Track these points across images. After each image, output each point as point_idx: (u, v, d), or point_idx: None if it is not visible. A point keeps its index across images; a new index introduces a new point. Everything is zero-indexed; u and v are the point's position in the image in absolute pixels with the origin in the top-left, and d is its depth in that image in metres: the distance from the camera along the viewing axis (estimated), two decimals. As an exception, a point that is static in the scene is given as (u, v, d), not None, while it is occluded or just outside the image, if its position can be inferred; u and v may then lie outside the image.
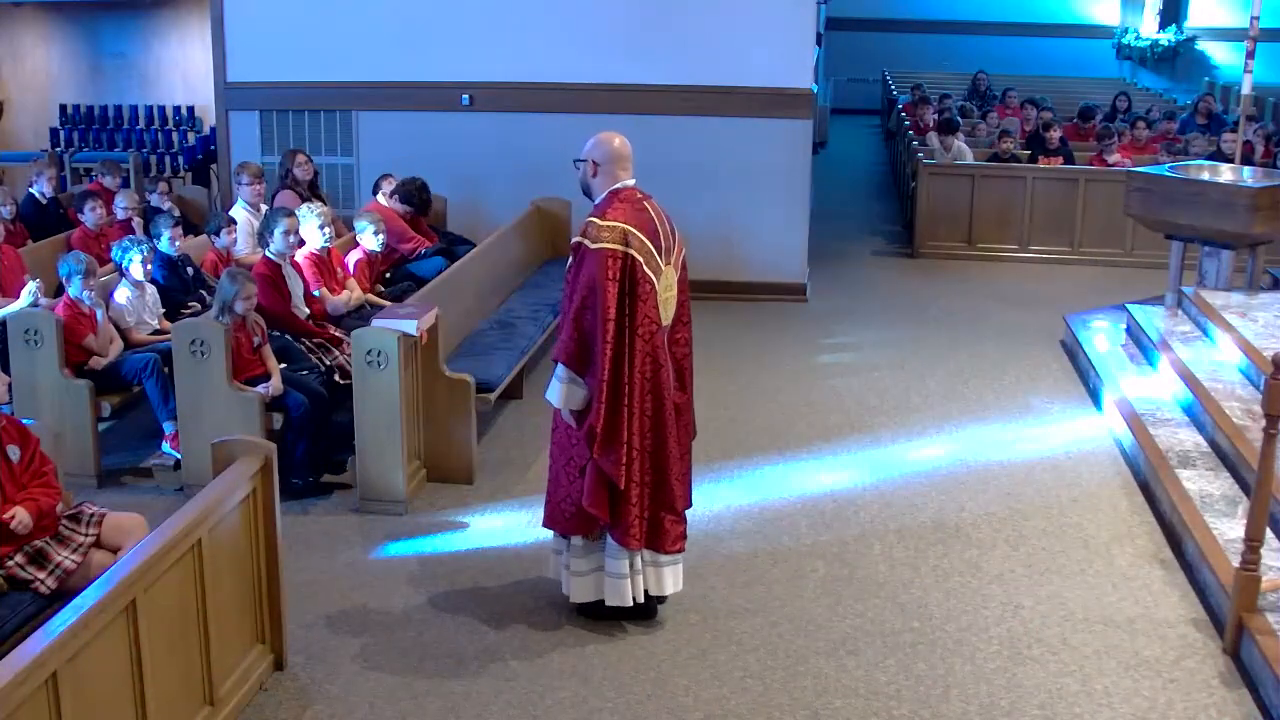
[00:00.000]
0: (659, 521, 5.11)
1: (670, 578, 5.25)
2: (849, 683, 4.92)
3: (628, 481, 4.99)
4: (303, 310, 7.38)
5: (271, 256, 7.27)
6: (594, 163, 5.06)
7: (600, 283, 4.85)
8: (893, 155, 17.20)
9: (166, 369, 6.70)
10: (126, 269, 7.11)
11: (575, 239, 5.00)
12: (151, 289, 7.35)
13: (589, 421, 4.97)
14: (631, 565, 5.13)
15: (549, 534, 5.38)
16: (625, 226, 4.93)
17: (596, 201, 5.08)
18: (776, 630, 5.30)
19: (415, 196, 9.10)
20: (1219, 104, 17.26)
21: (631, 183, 5.08)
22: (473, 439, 6.77)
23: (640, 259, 4.91)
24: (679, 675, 4.96)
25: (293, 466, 6.58)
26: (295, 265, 7.45)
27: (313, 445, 6.60)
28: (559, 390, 5.03)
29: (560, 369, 5.00)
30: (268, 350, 6.74)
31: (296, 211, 7.77)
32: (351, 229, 8.64)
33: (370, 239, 8.04)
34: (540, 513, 6.31)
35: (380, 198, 9.12)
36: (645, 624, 5.28)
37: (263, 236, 7.46)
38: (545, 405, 7.74)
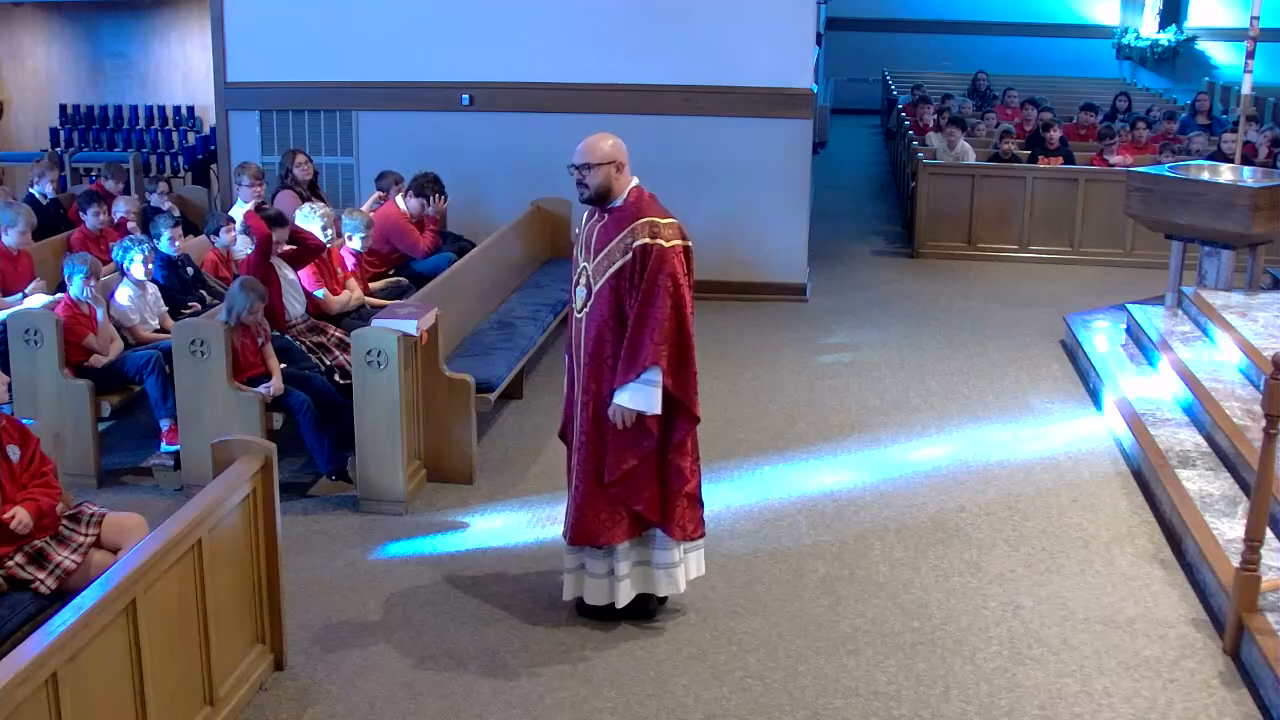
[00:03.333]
0: (684, 510, 5.14)
1: (695, 564, 5.30)
2: (849, 683, 4.92)
3: (681, 479, 5.03)
4: (296, 308, 7.35)
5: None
6: (619, 163, 4.98)
7: (680, 280, 4.86)
8: (893, 155, 17.20)
9: (168, 367, 6.70)
10: (128, 269, 7.13)
11: (641, 241, 4.86)
12: (153, 288, 7.35)
13: (691, 419, 4.98)
14: (679, 554, 5.18)
15: (548, 534, 5.37)
16: (677, 221, 4.98)
17: (618, 203, 5.00)
18: (776, 630, 5.30)
19: (428, 188, 8.98)
20: (1218, 104, 17.28)
21: (638, 179, 5.08)
22: (473, 439, 6.77)
23: (692, 249, 4.99)
24: (679, 675, 4.95)
25: (321, 459, 6.61)
26: (284, 256, 7.40)
27: (336, 433, 6.61)
28: (653, 395, 4.85)
29: (655, 373, 4.83)
30: (269, 350, 6.74)
31: (298, 212, 7.77)
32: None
33: (355, 240, 8.02)
34: (540, 513, 6.35)
35: (398, 199, 9.03)
36: (645, 624, 5.28)
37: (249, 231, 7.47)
38: (545, 406, 7.77)
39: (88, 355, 6.79)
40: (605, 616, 5.26)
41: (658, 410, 4.88)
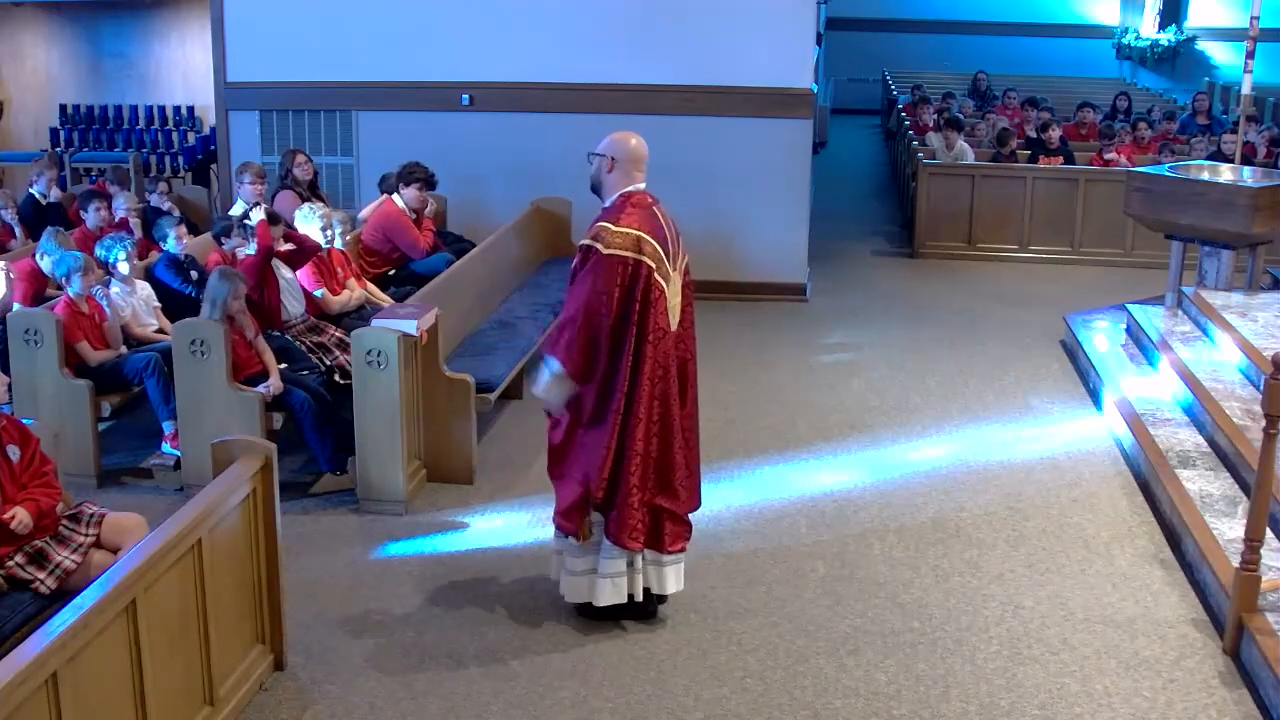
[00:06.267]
0: (660, 524, 5.12)
1: (672, 577, 5.26)
2: (849, 683, 4.92)
3: (627, 487, 5.00)
4: (295, 307, 7.34)
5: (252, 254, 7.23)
6: (612, 159, 5.00)
7: (599, 289, 4.84)
8: (893, 155, 17.20)
9: (168, 368, 6.70)
10: (114, 266, 7.13)
11: (585, 241, 4.92)
12: (145, 286, 7.34)
13: (585, 434, 4.98)
14: (630, 564, 5.14)
15: (548, 534, 5.38)
16: (639, 233, 4.91)
17: (607, 203, 5.03)
18: (776, 630, 5.30)
19: (417, 173, 8.85)
20: (1218, 104, 17.27)
21: (643, 186, 5.07)
22: (473, 439, 6.77)
23: (653, 265, 4.91)
24: (679, 675, 4.96)
25: (323, 456, 6.61)
26: (281, 257, 7.38)
27: (337, 431, 6.62)
28: (549, 384, 4.99)
29: (555, 364, 4.94)
30: (263, 344, 6.74)
31: (298, 212, 7.76)
32: (353, 227, 8.61)
33: (336, 239, 7.99)
34: (540, 513, 6.36)
35: (395, 197, 8.99)
36: (645, 624, 5.28)
37: (244, 228, 7.44)
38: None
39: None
40: (603, 616, 5.27)
41: (536, 390, 5.07)
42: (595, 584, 5.16)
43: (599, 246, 4.87)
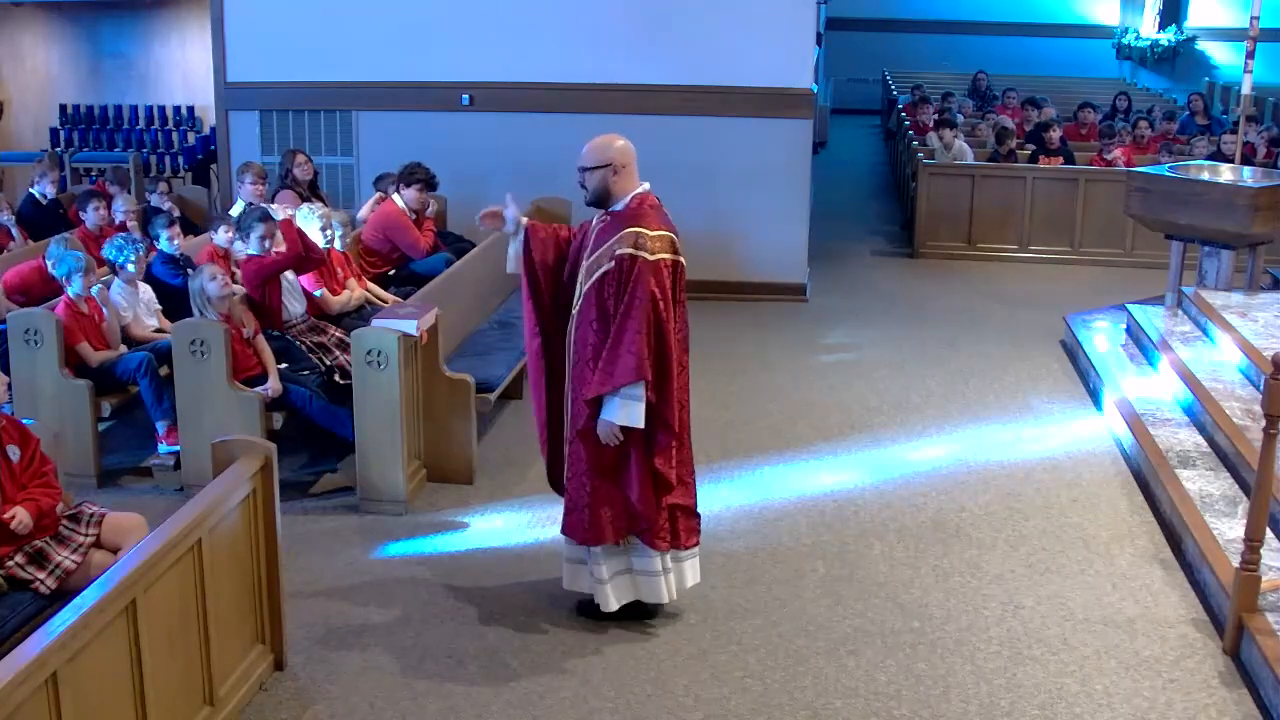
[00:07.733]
0: (675, 520, 5.14)
1: (690, 572, 5.29)
2: (849, 683, 4.92)
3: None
4: (296, 308, 7.34)
5: (253, 254, 7.23)
6: (616, 166, 4.97)
7: (657, 296, 4.84)
8: (893, 155, 17.20)
9: (164, 369, 6.69)
10: (123, 267, 7.13)
11: (625, 251, 4.84)
12: (146, 287, 7.34)
13: (667, 428, 4.94)
14: (662, 565, 5.16)
15: (548, 534, 5.38)
16: (670, 234, 4.95)
17: (618, 207, 5.00)
18: (776, 630, 5.30)
19: (418, 174, 8.85)
20: (1217, 104, 17.27)
21: (648, 185, 5.08)
22: (473, 439, 6.77)
23: (683, 265, 4.97)
24: (679, 675, 4.96)
25: (346, 429, 6.53)
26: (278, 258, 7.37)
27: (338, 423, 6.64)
28: (636, 410, 4.85)
29: (637, 388, 4.82)
30: (263, 343, 6.73)
31: (298, 212, 7.76)
32: (353, 227, 8.61)
33: (335, 240, 7.99)
34: (540, 513, 6.36)
35: (395, 197, 8.98)
36: (645, 624, 5.28)
37: (239, 228, 7.46)
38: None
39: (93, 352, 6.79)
40: (604, 616, 5.26)
41: (639, 424, 4.88)
42: (639, 582, 5.16)
43: (645, 255, 4.85)
